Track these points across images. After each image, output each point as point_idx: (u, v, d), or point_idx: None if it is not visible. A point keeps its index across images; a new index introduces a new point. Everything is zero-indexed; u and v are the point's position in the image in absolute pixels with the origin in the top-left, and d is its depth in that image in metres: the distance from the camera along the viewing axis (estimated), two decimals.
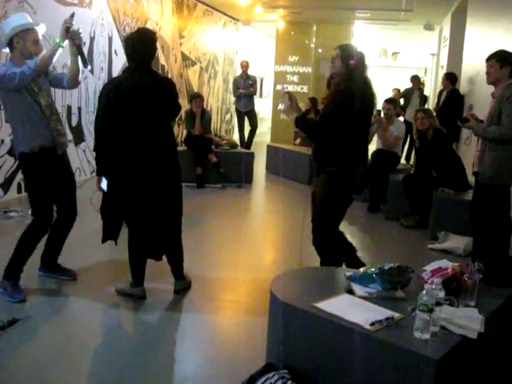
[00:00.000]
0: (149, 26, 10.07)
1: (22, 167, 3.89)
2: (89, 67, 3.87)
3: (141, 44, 3.53)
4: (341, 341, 2.39)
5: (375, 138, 7.38)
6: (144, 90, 3.50)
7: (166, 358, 3.11)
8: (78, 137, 8.19)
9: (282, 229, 6.24)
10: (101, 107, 3.55)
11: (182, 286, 3.91)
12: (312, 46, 14.06)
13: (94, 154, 3.65)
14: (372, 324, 2.33)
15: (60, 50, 3.54)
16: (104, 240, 3.81)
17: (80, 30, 3.64)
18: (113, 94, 3.49)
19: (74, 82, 3.86)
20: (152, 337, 3.38)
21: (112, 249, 4.10)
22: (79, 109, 8.13)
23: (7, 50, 3.77)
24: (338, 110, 3.65)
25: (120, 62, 9.17)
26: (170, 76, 11.12)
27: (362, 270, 2.84)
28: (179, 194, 3.78)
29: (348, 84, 3.67)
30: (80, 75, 3.85)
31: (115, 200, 3.67)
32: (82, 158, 8.32)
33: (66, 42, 3.61)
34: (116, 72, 9.06)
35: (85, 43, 3.67)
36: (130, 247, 3.76)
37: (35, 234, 3.84)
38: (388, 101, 7.36)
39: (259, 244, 5.61)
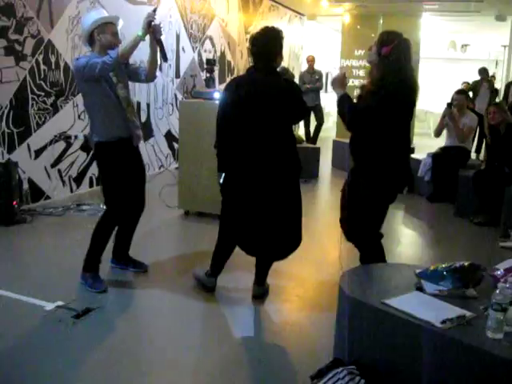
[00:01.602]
0: (215, 22, 10.20)
1: (98, 157, 3.96)
2: (168, 61, 3.95)
3: (264, 43, 3.50)
4: (410, 338, 2.36)
5: (444, 133, 7.23)
6: (262, 89, 3.47)
7: (231, 351, 3.16)
8: (147, 133, 8.39)
9: None
10: (222, 105, 3.57)
11: (261, 291, 3.85)
12: None
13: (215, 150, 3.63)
14: (443, 322, 2.29)
15: (141, 43, 3.60)
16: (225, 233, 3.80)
17: (161, 25, 3.70)
18: (234, 92, 3.50)
19: (151, 76, 3.94)
20: (220, 329, 3.44)
21: (180, 242, 4.20)
22: (148, 105, 8.33)
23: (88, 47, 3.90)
24: (376, 104, 3.43)
25: (188, 58, 9.33)
26: (235, 72, 11.23)
27: (432, 267, 2.79)
28: (297, 202, 3.67)
29: (380, 75, 3.45)
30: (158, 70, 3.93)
31: (228, 195, 3.66)
32: (150, 154, 8.53)
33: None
34: (183, 69, 9.23)
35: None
36: (220, 239, 3.79)
37: (108, 225, 3.94)
38: (459, 92, 7.22)
39: (324, 239, 5.59)
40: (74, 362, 2.95)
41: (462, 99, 7.02)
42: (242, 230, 3.66)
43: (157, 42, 3.70)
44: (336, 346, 2.85)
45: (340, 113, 3.59)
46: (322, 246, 5.31)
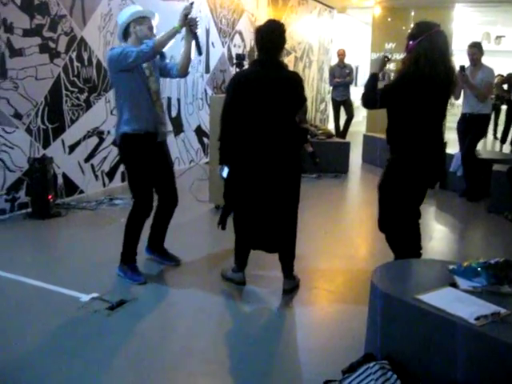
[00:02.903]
0: (244, 17, 10.21)
1: (123, 149, 3.98)
2: (202, 55, 3.98)
3: (268, 36, 3.53)
4: (444, 334, 2.35)
5: (461, 100, 6.88)
6: (269, 82, 3.51)
7: (260, 345, 3.18)
8: (178, 127, 8.46)
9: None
10: (227, 98, 3.60)
11: (291, 285, 3.87)
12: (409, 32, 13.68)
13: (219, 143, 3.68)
14: (477, 318, 2.28)
15: (176, 36, 3.63)
16: (221, 223, 3.86)
17: (198, 19, 3.73)
18: (239, 85, 3.54)
19: (184, 70, 3.96)
20: (249, 322, 3.47)
21: (213, 236, 4.23)
22: (178, 100, 8.39)
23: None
24: (393, 90, 3.53)
25: (217, 54, 9.36)
26: None
27: (466, 263, 2.77)
28: (297, 191, 3.73)
29: (408, 65, 3.48)
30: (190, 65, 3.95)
31: (233, 188, 3.70)
32: (181, 148, 8.60)
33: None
34: (213, 64, 9.26)
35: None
36: (236, 233, 3.83)
37: (137, 218, 3.98)
38: (472, 45, 6.67)
39: (355, 235, 5.58)
40: (108, 353, 3.01)
41: (476, 52, 6.55)
42: (246, 220, 3.72)
43: (192, 35, 3.74)
44: (367, 341, 2.85)
45: (365, 88, 3.65)
46: (352, 241, 5.30)
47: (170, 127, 7.30)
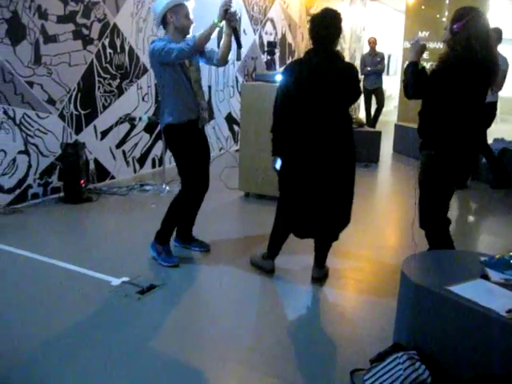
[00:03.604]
0: (276, 4, 10.16)
1: (169, 139, 4.06)
2: (242, 49, 4.01)
3: (322, 25, 3.46)
4: (474, 326, 2.33)
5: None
6: (320, 72, 3.44)
7: (288, 332, 3.20)
8: (208, 115, 8.48)
9: (408, 210, 6.10)
10: (280, 89, 3.57)
11: (320, 274, 3.86)
12: (444, 20, 13.43)
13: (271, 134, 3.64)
14: (509, 311, 2.25)
15: (217, 30, 3.66)
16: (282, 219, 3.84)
17: (237, 12, 3.73)
18: (291, 75, 3.51)
19: (223, 60, 4.01)
20: (277, 310, 3.48)
21: (240, 223, 4.25)
22: (209, 87, 8.40)
23: (162, 29, 4.00)
24: (435, 78, 3.29)
25: (249, 41, 9.34)
26: (296, 54, 11.17)
27: (498, 255, 2.74)
28: (351, 180, 3.65)
29: (449, 52, 3.30)
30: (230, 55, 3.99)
31: (286, 179, 3.67)
32: (211, 136, 8.63)
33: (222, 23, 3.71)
34: (244, 52, 9.24)
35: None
36: (277, 221, 3.83)
37: (184, 202, 4.05)
38: None
39: (385, 224, 5.54)
40: (138, 336, 3.05)
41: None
42: (298, 211, 3.66)
43: (232, 29, 3.76)
44: (396, 331, 2.84)
45: (405, 76, 3.42)
46: (382, 231, 5.27)
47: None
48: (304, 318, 3.41)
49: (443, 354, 2.47)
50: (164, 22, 3.89)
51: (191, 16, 3.89)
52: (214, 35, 3.69)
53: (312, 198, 3.58)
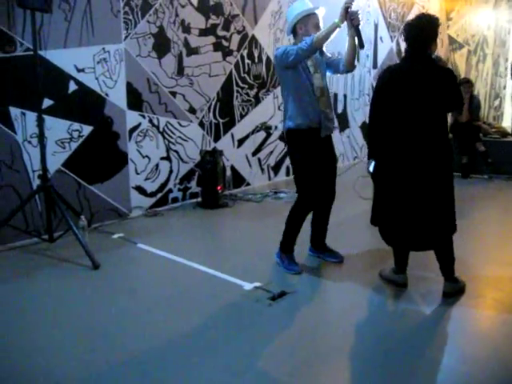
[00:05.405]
0: (415, 9, 9.90)
1: (288, 143, 4.06)
2: (364, 48, 3.94)
3: (418, 30, 3.41)
4: None
5: None
6: (413, 77, 3.41)
7: (412, 347, 3.05)
8: (343, 123, 8.45)
9: None
10: (375, 93, 3.57)
11: (451, 289, 3.67)
12: None
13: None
14: None
15: (337, 30, 3.60)
16: (372, 222, 3.81)
17: (359, 12, 3.68)
18: (387, 81, 3.49)
19: (350, 65, 3.91)
20: (402, 327, 3.34)
21: (372, 234, 4.13)
22: (345, 96, 8.37)
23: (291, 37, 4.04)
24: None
25: (385, 49, 9.18)
26: None
27: None
28: (448, 190, 3.55)
29: None
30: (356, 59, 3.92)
31: (380, 183, 3.65)
32: (346, 145, 8.57)
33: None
34: (381, 59, 9.10)
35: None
36: (382, 234, 3.74)
37: (299, 212, 4.03)
38: None
39: None
40: (265, 342, 3.06)
41: None
42: (393, 216, 3.58)
43: (354, 28, 3.68)
44: None
45: None
46: None
47: (335, 123, 7.32)
48: (430, 334, 3.20)
49: None
50: (294, 31, 3.92)
51: (321, 24, 3.87)
52: (334, 35, 3.61)
53: (406, 203, 3.50)
